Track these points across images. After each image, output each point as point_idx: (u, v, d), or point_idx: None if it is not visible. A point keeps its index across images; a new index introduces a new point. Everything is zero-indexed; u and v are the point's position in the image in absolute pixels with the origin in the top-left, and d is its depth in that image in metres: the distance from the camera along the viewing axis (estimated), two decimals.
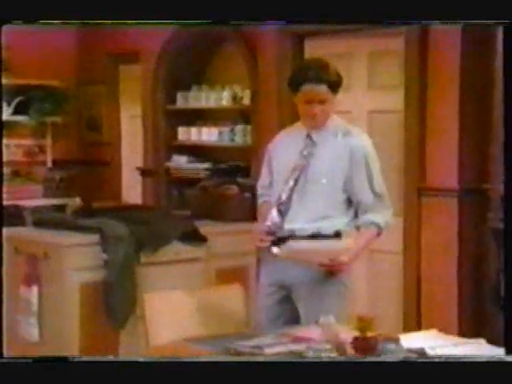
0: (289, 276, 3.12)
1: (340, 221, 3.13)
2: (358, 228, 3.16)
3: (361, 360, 2.36)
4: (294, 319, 3.14)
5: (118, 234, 4.18)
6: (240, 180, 5.24)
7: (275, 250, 3.06)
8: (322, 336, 2.54)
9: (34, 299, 4.13)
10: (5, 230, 4.88)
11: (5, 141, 6.32)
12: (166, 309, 2.99)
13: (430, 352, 2.42)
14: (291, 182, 3.12)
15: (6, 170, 6.34)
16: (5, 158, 6.33)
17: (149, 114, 6.02)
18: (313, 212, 3.11)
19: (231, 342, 2.61)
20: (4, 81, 6.15)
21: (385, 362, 2.38)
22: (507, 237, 2.53)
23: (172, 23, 2.83)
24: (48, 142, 6.57)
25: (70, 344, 4.04)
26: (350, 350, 2.41)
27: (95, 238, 4.13)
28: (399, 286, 4.54)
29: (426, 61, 4.33)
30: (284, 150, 3.23)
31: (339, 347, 2.43)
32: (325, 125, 3.15)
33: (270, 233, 3.07)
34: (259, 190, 3.36)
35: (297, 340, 2.59)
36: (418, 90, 4.36)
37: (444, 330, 2.72)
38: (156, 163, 5.99)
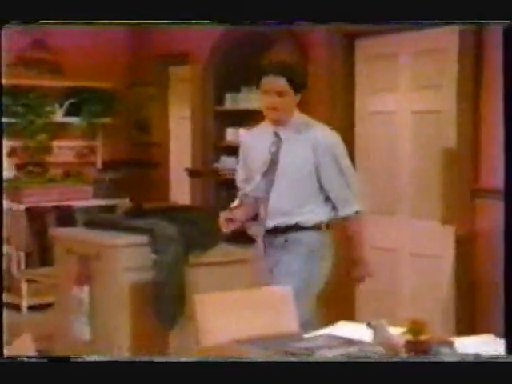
0: (272, 261, 3.41)
1: (318, 213, 3.31)
2: (343, 220, 3.35)
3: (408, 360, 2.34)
4: None
5: (168, 234, 4.21)
6: None
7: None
8: (374, 339, 2.51)
9: (86, 299, 4.18)
10: (57, 231, 5.00)
11: (56, 142, 6.44)
12: (216, 310, 2.99)
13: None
14: (264, 179, 3.31)
15: (57, 171, 6.45)
16: (56, 160, 6.47)
17: (198, 115, 6.05)
18: (288, 206, 3.28)
19: (282, 343, 2.60)
20: (56, 83, 6.30)
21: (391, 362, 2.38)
22: (507, 237, 2.62)
23: (170, 23, 2.85)
24: (98, 143, 6.65)
25: (120, 343, 4.08)
26: (403, 354, 2.38)
27: (145, 238, 4.17)
28: (449, 290, 4.47)
29: (480, 60, 4.26)
30: (254, 146, 3.39)
31: (391, 350, 2.40)
32: (290, 121, 3.30)
33: (232, 220, 3.36)
34: (238, 184, 3.51)
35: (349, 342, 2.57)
36: (471, 90, 4.28)
37: (498, 335, 2.67)
38: (204, 164, 6.02)
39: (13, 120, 6.07)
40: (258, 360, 2.43)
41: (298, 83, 3.28)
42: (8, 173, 6.10)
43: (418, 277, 4.64)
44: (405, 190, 4.71)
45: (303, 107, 5.45)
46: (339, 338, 2.65)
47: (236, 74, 5.81)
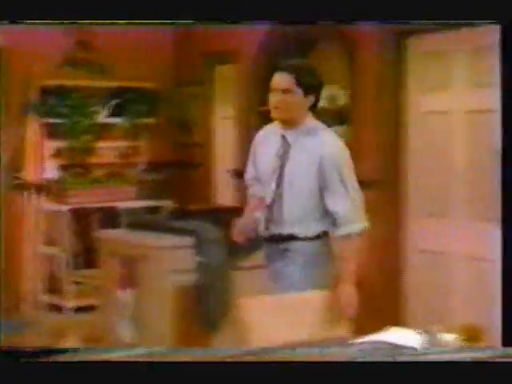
0: (272, 271, 3.34)
1: (316, 226, 3.19)
2: (340, 238, 3.18)
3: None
4: None
5: (212, 236, 4.22)
6: None
7: None
8: (427, 346, 2.48)
9: (130, 301, 4.21)
10: (101, 232, 5.05)
11: (100, 143, 6.50)
12: (262, 313, 2.99)
13: None
14: (273, 185, 3.21)
15: (100, 172, 6.52)
16: (100, 160, 6.54)
17: (242, 115, 6.06)
18: (289, 215, 3.18)
19: (328, 347, 2.59)
20: (100, 83, 6.37)
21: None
22: (507, 237, 2.60)
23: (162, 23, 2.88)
24: (142, 143, 6.70)
25: (164, 346, 4.10)
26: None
27: (189, 240, 4.19)
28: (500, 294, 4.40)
29: None
30: (262, 147, 3.31)
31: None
32: (299, 125, 3.19)
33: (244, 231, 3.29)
34: (247, 182, 3.46)
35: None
36: None
37: None
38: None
39: (58, 121, 6.16)
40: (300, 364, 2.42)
41: (306, 83, 3.17)
42: (53, 174, 6.19)
43: (470, 280, 4.58)
44: (458, 192, 4.66)
45: (351, 106, 5.44)
46: (389, 344, 2.62)
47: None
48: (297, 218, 3.19)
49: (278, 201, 3.20)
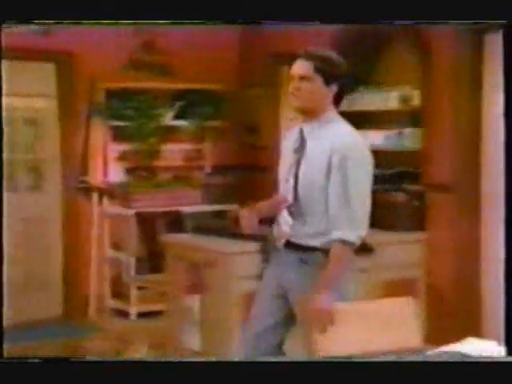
0: (286, 278, 3.11)
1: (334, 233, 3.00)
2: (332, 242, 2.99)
3: None
4: (290, 318, 3.16)
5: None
6: (408, 187, 5.16)
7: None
8: (506, 357, 2.44)
9: (196, 308, 4.24)
10: (166, 237, 5.10)
11: (165, 146, 6.56)
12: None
13: None
14: (291, 180, 3.07)
15: (165, 175, 6.59)
16: (165, 163, 6.60)
17: None
18: (306, 218, 3.03)
19: (401, 357, 2.57)
20: (165, 85, 6.44)
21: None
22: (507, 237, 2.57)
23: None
24: (207, 146, 6.74)
25: (232, 353, 4.12)
26: None
27: (257, 245, 4.19)
28: None
29: None
30: (285, 144, 3.22)
31: None
32: (317, 117, 3.05)
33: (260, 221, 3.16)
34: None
35: None
36: None
37: None
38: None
39: (123, 123, 6.24)
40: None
41: (327, 71, 3.02)
42: (118, 177, 6.29)
43: None
44: None
45: (425, 108, 5.37)
46: (467, 355, 2.58)
47: (352, 74, 5.77)
48: (315, 223, 3.02)
49: (297, 200, 3.06)
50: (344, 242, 2.97)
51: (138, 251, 6.19)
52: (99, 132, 6.18)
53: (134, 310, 6.02)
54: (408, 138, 5.38)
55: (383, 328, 3.03)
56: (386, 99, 5.49)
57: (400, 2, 2.78)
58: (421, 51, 5.13)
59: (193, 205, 6.32)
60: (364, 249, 4.46)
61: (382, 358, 2.50)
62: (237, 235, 4.38)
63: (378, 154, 5.67)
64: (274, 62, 6.46)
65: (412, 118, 5.39)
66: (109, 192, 6.25)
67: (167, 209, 6.24)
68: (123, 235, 6.20)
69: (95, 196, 6.24)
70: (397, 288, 4.35)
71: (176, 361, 2.53)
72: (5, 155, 6.21)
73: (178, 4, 2.79)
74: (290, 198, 3.07)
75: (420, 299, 4.26)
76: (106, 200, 6.27)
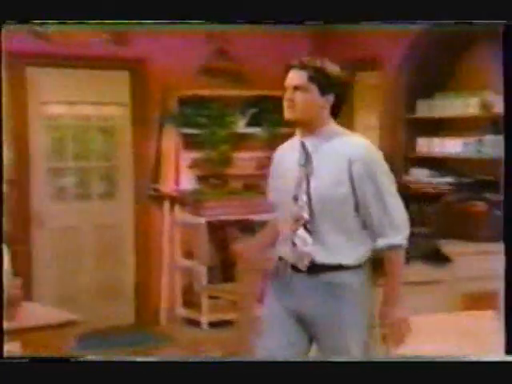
0: (308, 304, 2.96)
1: (359, 248, 2.93)
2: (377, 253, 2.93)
3: None
4: (305, 341, 3.01)
5: None
6: (488, 196, 5.08)
7: None
8: None
9: None
10: (238, 245, 5.13)
11: (238, 154, 6.61)
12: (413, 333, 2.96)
13: None
14: (303, 197, 2.95)
15: (237, 183, 6.64)
16: (236, 171, 6.65)
17: (386, 124, 6.02)
18: (327, 236, 2.92)
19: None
20: (237, 92, 6.50)
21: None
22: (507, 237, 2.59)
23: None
24: None
25: None
26: None
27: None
28: None
29: None
30: (283, 162, 3.10)
31: None
32: (320, 131, 2.97)
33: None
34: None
35: None
36: None
37: None
38: (394, 176, 5.97)
39: (195, 131, 6.32)
40: None
41: (322, 81, 2.95)
42: (189, 185, 6.37)
43: None
44: None
45: (506, 116, 5.26)
46: None
47: (430, 79, 5.73)
48: (337, 239, 2.93)
49: (313, 216, 2.94)
50: (392, 247, 2.94)
51: (210, 260, 6.24)
52: (171, 140, 6.26)
53: (205, 320, 6.08)
54: (488, 146, 5.31)
55: (462, 341, 3.01)
56: (465, 105, 5.44)
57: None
58: (504, 54, 5.05)
59: (265, 213, 6.33)
60: (441, 259, 4.44)
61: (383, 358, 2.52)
62: None
63: (456, 162, 5.70)
64: (347, 68, 6.45)
65: (493, 124, 5.31)
66: (180, 200, 6.33)
67: (239, 217, 6.28)
68: (195, 244, 6.27)
69: (167, 204, 6.33)
70: (477, 301, 4.28)
71: (176, 361, 2.57)
72: (79, 163, 6.40)
73: (250, 9, 2.84)
74: (306, 215, 2.95)
75: (501, 312, 4.18)
76: (177, 208, 6.35)
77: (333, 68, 3.00)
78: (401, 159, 5.91)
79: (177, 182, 6.35)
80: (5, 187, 5.62)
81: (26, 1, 2.79)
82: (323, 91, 2.96)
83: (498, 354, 2.88)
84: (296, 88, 2.97)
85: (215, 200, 6.25)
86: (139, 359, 2.63)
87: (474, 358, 2.40)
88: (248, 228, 6.26)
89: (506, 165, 2.67)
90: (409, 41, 5.64)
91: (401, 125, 5.89)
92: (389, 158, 6.32)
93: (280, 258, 3.03)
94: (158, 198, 6.31)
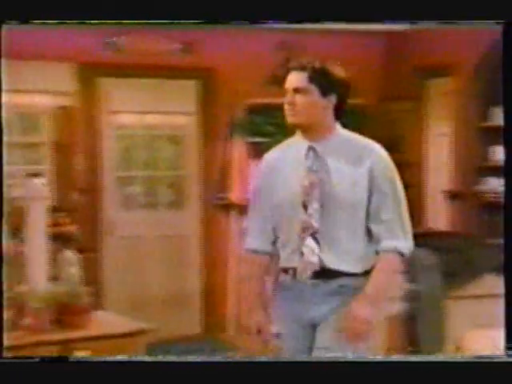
0: (314, 312, 2.94)
1: (368, 254, 2.90)
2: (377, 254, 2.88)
3: None
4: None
5: (426, 262, 4.21)
6: None
7: None
8: None
9: None
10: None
11: None
12: (487, 349, 2.94)
13: None
14: (315, 203, 2.88)
15: None
16: None
17: (459, 132, 5.97)
18: (342, 241, 2.87)
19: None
20: None
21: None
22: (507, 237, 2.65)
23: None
24: None
25: None
26: None
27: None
28: None
29: None
30: (283, 167, 3.01)
31: None
32: (328, 136, 2.93)
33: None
34: (247, 240, 3.22)
35: None
36: None
37: None
38: (465, 186, 5.93)
39: (264, 140, 6.37)
40: None
41: (322, 81, 2.91)
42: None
43: None
44: None
45: None
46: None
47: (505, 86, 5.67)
48: (346, 248, 2.89)
49: (324, 225, 2.88)
50: (398, 253, 2.90)
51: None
52: (239, 148, 6.33)
53: (271, 330, 6.11)
54: None
55: None
56: None
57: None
58: None
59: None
60: None
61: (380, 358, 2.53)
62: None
63: None
64: (421, 75, 6.44)
65: None
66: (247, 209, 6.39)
67: None
68: None
69: (234, 213, 6.39)
70: None
71: (176, 361, 2.60)
72: (147, 172, 6.52)
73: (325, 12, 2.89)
74: (315, 223, 2.89)
75: None
76: (244, 217, 6.41)
77: (333, 68, 2.98)
78: (474, 168, 5.87)
79: (244, 191, 6.42)
80: (76, 195, 5.83)
81: (26, 1, 2.84)
82: (324, 92, 2.93)
83: None
84: (296, 90, 2.94)
85: None
86: (140, 359, 2.69)
87: (474, 358, 2.42)
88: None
89: (506, 164, 2.71)
90: (485, 46, 5.59)
91: (474, 133, 5.83)
92: (461, 167, 6.34)
93: (284, 270, 2.99)
94: (225, 207, 6.37)
